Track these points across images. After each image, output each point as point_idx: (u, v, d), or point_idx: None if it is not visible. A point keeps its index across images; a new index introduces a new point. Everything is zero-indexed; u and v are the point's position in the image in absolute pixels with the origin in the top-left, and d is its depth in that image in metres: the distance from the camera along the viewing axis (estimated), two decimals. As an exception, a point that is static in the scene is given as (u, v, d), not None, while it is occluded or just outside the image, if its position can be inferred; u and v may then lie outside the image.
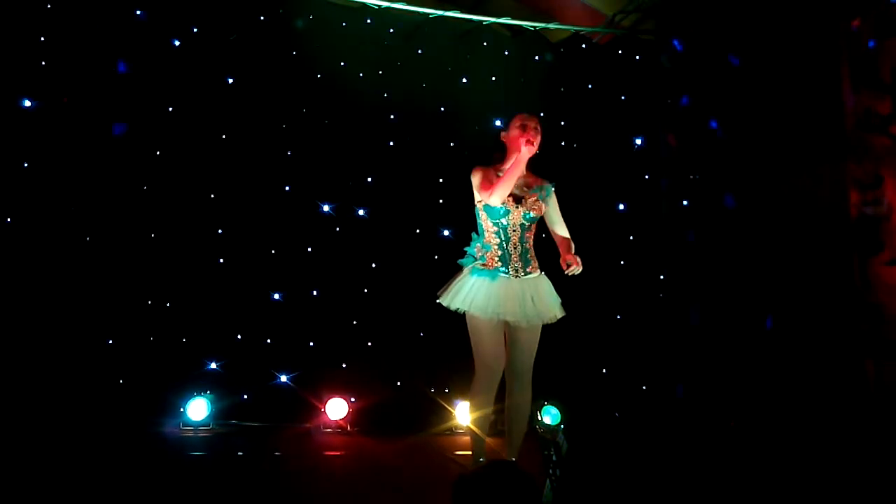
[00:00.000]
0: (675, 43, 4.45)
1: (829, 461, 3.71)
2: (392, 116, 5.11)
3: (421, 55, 5.18)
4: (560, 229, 3.38)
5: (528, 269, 3.25)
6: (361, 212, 5.01)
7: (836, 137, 4.36)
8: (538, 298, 3.23)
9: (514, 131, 3.30)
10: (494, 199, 3.16)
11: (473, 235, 3.32)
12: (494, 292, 3.15)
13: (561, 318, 3.32)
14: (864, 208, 4.24)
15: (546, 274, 3.34)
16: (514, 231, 3.23)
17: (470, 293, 3.17)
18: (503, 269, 3.20)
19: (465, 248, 3.32)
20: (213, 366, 4.63)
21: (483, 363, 3.20)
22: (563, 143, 5.34)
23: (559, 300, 3.30)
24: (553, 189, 3.37)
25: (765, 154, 4.42)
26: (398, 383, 4.89)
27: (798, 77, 4.57)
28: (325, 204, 4.94)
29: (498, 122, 5.12)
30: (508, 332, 3.24)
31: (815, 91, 4.56)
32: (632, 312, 5.21)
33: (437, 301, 3.28)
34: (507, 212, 3.21)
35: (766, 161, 4.42)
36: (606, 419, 4.97)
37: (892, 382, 4.06)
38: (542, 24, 5.33)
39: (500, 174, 3.26)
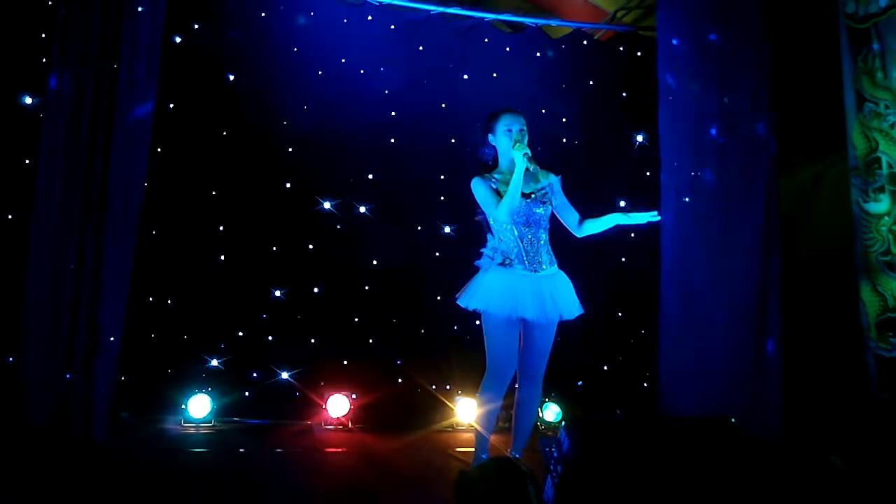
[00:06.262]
0: (675, 48, 4.43)
1: (830, 458, 3.71)
2: (393, 113, 5.10)
3: (422, 52, 5.17)
4: (574, 213, 3.39)
5: (545, 265, 3.23)
6: (363, 209, 5.00)
7: (837, 133, 4.35)
8: (557, 295, 3.21)
9: (502, 138, 3.27)
10: (504, 215, 3.14)
11: (488, 236, 3.30)
12: (512, 289, 3.12)
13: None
14: (865, 204, 4.23)
15: (562, 271, 3.33)
16: (527, 226, 3.22)
17: (487, 292, 3.14)
18: (520, 265, 3.18)
19: (482, 250, 3.30)
20: (215, 363, 4.64)
21: (495, 364, 3.19)
22: (564, 140, 5.33)
23: (576, 298, 3.29)
24: (559, 180, 3.36)
25: (767, 150, 4.40)
26: (399, 380, 4.89)
27: (800, 73, 4.56)
28: (326, 201, 4.94)
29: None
30: (524, 330, 3.22)
31: (817, 87, 4.55)
32: (633, 310, 5.22)
33: (457, 303, 3.26)
34: (519, 208, 3.19)
35: (768, 157, 4.41)
36: (608, 416, 4.97)
37: (893, 379, 4.06)
38: (544, 21, 5.32)
39: (497, 176, 3.25)
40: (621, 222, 3.34)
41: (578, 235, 3.42)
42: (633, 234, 5.24)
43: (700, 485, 2.25)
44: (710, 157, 4.43)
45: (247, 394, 4.67)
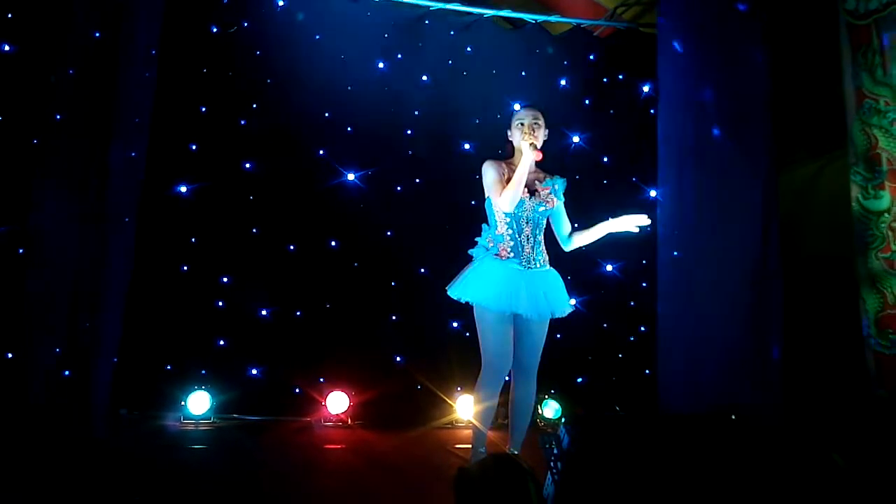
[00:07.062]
0: (675, 45, 4.41)
1: (831, 456, 3.71)
2: (392, 110, 5.10)
3: (421, 48, 5.16)
4: (568, 224, 3.39)
5: (539, 262, 3.24)
6: (362, 206, 4.99)
7: (837, 130, 4.35)
8: (549, 292, 3.22)
9: (515, 132, 3.28)
10: (506, 205, 3.14)
11: (484, 227, 3.30)
12: (506, 284, 3.12)
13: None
14: (865, 201, 4.23)
15: (553, 269, 3.33)
16: (526, 223, 3.22)
17: (481, 285, 3.14)
18: (515, 260, 3.18)
19: (476, 239, 3.30)
20: (214, 359, 4.63)
21: (490, 359, 3.18)
22: (563, 137, 5.33)
23: (567, 296, 3.30)
24: (564, 184, 3.37)
25: (766, 147, 4.40)
26: (399, 377, 4.89)
27: (799, 69, 4.56)
28: (325, 198, 4.93)
29: (499, 116, 5.13)
30: (517, 325, 3.22)
31: (817, 83, 4.54)
32: (633, 307, 5.22)
33: (447, 293, 3.26)
34: (521, 203, 3.19)
35: (767, 154, 4.40)
36: (608, 413, 4.98)
37: (892, 376, 4.06)
38: (544, 17, 5.32)
39: (512, 165, 3.25)
40: (612, 231, 3.33)
41: (565, 248, 3.43)
42: (634, 232, 5.23)
43: (700, 481, 2.25)
44: (710, 155, 4.42)
45: (246, 390, 4.67)
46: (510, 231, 3.21)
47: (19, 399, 3.64)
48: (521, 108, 3.34)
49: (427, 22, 5.14)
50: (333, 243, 4.96)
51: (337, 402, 4.63)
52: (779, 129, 4.43)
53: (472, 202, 4.48)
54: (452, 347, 4.81)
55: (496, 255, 3.20)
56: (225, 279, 4.74)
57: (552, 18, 5.33)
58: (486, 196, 3.28)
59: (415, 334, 4.99)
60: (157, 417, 4.44)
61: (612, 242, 5.24)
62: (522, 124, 3.25)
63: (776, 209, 4.37)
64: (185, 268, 4.67)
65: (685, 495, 2.23)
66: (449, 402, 4.83)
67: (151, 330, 4.54)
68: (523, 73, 5.33)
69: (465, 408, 4.68)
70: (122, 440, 3.89)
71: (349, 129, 5.00)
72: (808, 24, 4.55)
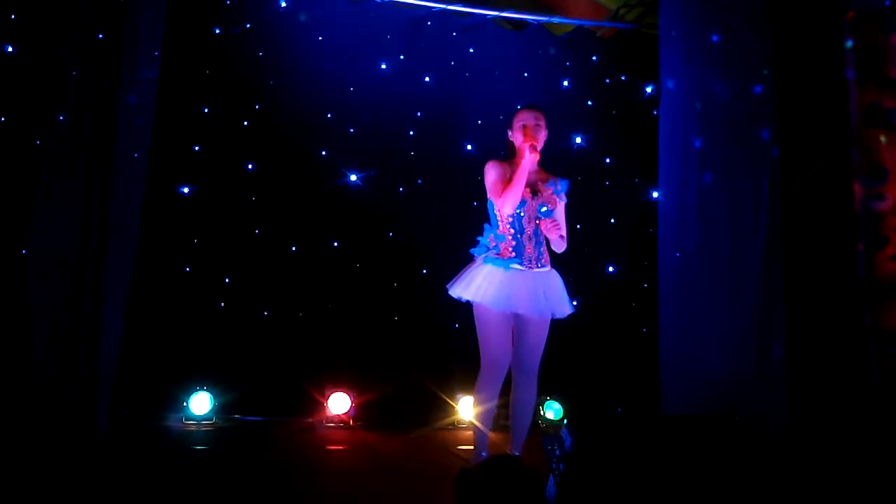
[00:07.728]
0: (677, 46, 4.40)
1: (833, 453, 3.71)
2: (395, 111, 5.09)
3: (424, 49, 5.16)
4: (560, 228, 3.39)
5: (541, 263, 3.24)
6: (363, 206, 4.99)
7: (840, 131, 4.34)
8: (550, 292, 3.22)
9: (517, 134, 3.28)
10: (506, 206, 3.15)
11: (486, 226, 3.30)
12: (507, 284, 3.13)
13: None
14: (869, 203, 4.21)
15: (554, 270, 3.33)
16: (528, 223, 3.22)
17: (482, 284, 3.14)
18: (517, 260, 3.18)
19: (478, 238, 3.31)
20: (216, 360, 4.63)
21: (489, 358, 3.19)
22: (566, 138, 5.32)
23: (568, 297, 3.30)
24: (569, 185, 3.36)
25: (769, 147, 4.39)
26: (400, 378, 4.89)
27: (802, 70, 4.55)
28: (326, 199, 4.93)
29: (501, 117, 5.12)
30: (517, 326, 3.22)
31: (820, 84, 4.53)
32: (635, 308, 5.21)
33: (448, 292, 3.26)
34: (523, 203, 3.19)
35: (770, 154, 4.40)
36: (610, 414, 4.97)
37: (895, 376, 4.05)
38: (546, 18, 5.32)
39: (515, 166, 3.25)
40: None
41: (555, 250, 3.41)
42: (635, 231, 5.23)
43: (703, 482, 2.25)
44: (712, 155, 4.41)
45: (248, 391, 4.67)
46: (512, 231, 3.21)
47: (23, 399, 3.65)
48: (523, 108, 3.34)
49: (429, 23, 5.14)
50: (335, 244, 4.96)
51: (339, 403, 4.63)
52: (782, 129, 4.43)
53: (475, 203, 4.48)
54: (455, 349, 4.80)
55: (498, 254, 3.20)
56: (227, 280, 4.74)
57: (554, 19, 5.33)
58: (488, 196, 3.29)
59: (417, 335, 4.98)
60: (159, 418, 4.44)
61: (612, 243, 5.28)
62: (524, 125, 3.25)
63: (779, 209, 4.37)
64: (188, 269, 4.68)
65: (688, 497, 2.23)
66: (451, 403, 4.82)
67: (154, 331, 4.54)
68: (525, 74, 5.32)
69: (467, 409, 4.68)
70: (124, 440, 3.89)
71: (351, 130, 5.00)
72: (812, 23, 4.54)
